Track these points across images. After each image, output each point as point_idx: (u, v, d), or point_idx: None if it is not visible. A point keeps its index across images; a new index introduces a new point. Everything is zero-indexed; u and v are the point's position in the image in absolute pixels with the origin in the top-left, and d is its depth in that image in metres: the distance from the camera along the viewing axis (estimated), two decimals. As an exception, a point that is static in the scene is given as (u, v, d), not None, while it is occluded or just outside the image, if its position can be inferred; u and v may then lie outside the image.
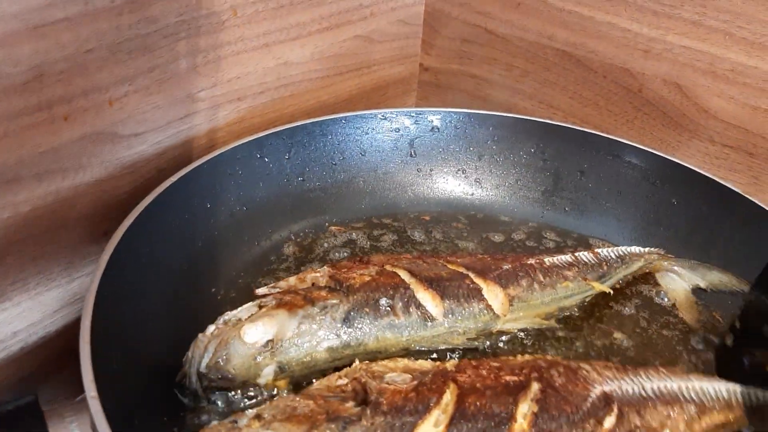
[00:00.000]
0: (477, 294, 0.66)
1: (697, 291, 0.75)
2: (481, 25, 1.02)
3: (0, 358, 0.67)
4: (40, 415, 0.47)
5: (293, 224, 0.82)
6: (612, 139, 0.85)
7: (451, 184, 0.91)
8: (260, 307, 0.61)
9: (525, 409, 0.53)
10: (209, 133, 0.80)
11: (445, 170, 0.91)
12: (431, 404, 0.52)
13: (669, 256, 0.77)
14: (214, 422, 0.54)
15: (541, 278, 0.69)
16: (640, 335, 0.70)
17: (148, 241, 0.64)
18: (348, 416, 0.51)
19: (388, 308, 0.63)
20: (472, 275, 0.67)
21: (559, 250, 0.81)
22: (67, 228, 0.67)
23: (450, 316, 0.64)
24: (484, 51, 1.04)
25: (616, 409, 0.55)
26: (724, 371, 0.64)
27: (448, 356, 0.65)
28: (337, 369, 0.60)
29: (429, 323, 0.63)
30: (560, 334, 0.69)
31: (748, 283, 0.72)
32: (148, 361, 0.58)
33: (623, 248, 0.76)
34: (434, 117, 0.89)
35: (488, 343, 0.66)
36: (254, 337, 0.58)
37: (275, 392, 0.59)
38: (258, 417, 0.52)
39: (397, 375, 0.56)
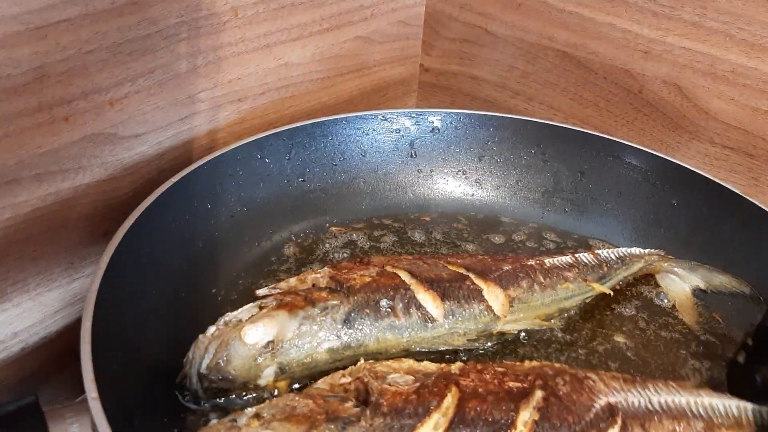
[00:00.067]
0: (477, 295, 0.66)
1: (697, 292, 0.75)
2: (481, 26, 1.02)
3: (0, 358, 0.67)
4: (41, 416, 0.47)
5: (294, 225, 0.82)
6: (612, 140, 0.85)
7: (452, 185, 0.91)
8: (261, 308, 0.61)
9: (526, 416, 0.52)
10: (210, 134, 0.81)
11: (446, 171, 0.91)
12: (431, 407, 0.52)
13: (669, 257, 0.77)
14: (214, 421, 0.54)
15: (542, 279, 0.69)
16: (640, 337, 0.70)
17: (149, 241, 0.64)
18: (347, 417, 0.51)
19: (389, 309, 0.63)
20: (472, 276, 0.67)
21: (559, 251, 0.80)
22: (68, 229, 0.67)
23: (450, 317, 0.64)
24: (485, 52, 1.04)
25: (620, 421, 0.54)
26: (735, 388, 0.63)
27: (452, 357, 0.65)
28: (339, 369, 0.60)
29: (429, 324, 0.63)
30: (560, 335, 0.69)
31: (748, 285, 0.72)
32: (149, 361, 0.58)
33: (623, 249, 0.76)
34: (435, 118, 0.89)
35: (489, 344, 0.66)
36: (255, 338, 0.58)
37: (276, 393, 0.59)
38: (257, 416, 0.52)
39: (399, 376, 0.56)
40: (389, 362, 0.59)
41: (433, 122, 0.89)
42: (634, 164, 0.84)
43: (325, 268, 0.68)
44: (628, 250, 0.76)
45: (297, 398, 0.54)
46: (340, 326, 0.61)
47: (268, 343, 0.58)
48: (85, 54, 0.62)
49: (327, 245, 0.80)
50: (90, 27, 0.61)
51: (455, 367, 0.58)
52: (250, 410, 0.53)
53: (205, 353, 0.58)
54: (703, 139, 0.86)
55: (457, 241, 0.83)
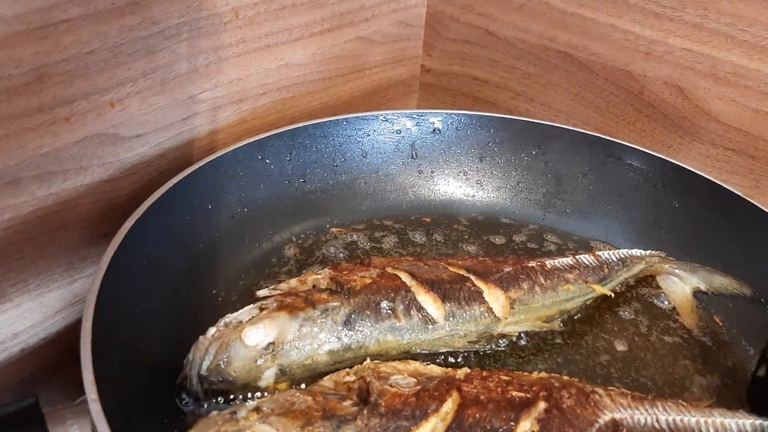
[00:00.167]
0: (478, 297, 0.66)
1: (698, 294, 0.74)
2: (482, 26, 1.02)
3: (1, 359, 0.67)
4: (41, 417, 0.47)
5: (294, 226, 0.82)
6: (613, 141, 0.85)
7: (452, 186, 0.91)
8: (261, 309, 0.61)
9: (526, 427, 0.52)
10: (210, 135, 0.80)
11: (447, 172, 0.91)
12: (429, 411, 0.52)
13: (670, 258, 0.77)
14: (214, 413, 0.53)
15: (542, 281, 0.69)
16: (640, 339, 0.70)
17: (149, 242, 0.64)
18: (343, 415, 0.51)
19: (389, 311, 0.63)
20: (473, 278, 0.67)
21: (560, 252, 0.80)
22: (68, 229, 0.67)
23: (451, 318, 0.64)
24: (486, 53, 1.03)
25: None
26: (757, 405, 0.62)
27: (454, 359, 0.65)
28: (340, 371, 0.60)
29: (430, 326, 0.63)
30: (561, 337, 0.69)
31: (749, 286, 0.72)
32: (149, 362, 0.58)
33: (624, 251, 0.76)
34: (436, 119, 0.89)
35: (489, 346, 0.66)
36: (255, 339, 0.58)
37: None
38: (257, 409, 0.52)
39: (402, 378, 0.56)
40: (395, 363, 0.59)
41: (434, 123, 0.89)
42: (635, 165, 0.84)
43: (326, 269, 0.68)
44: (629, 252, 0.76)
45: (297, 394, 0.54)
46: (340, 328, 0.61)
47: (269, 344, 0.58)
48: (86, 54, 0.62)
49: (327, 246, 0.80)
50: (91, 27, 0.61)
51: (460, 372, 0.58)
52: (251, 404, 0.53)
53: (205, 354, 0.57)
54: (705, 141, 0.86)
55: (458, 242, 0.83)
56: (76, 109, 0.63)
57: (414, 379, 0.56)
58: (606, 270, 0.73)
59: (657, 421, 0.55)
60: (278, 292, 0.65)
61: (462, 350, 0.65)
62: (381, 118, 0.88)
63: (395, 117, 0.88)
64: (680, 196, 0.81)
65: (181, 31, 0.70)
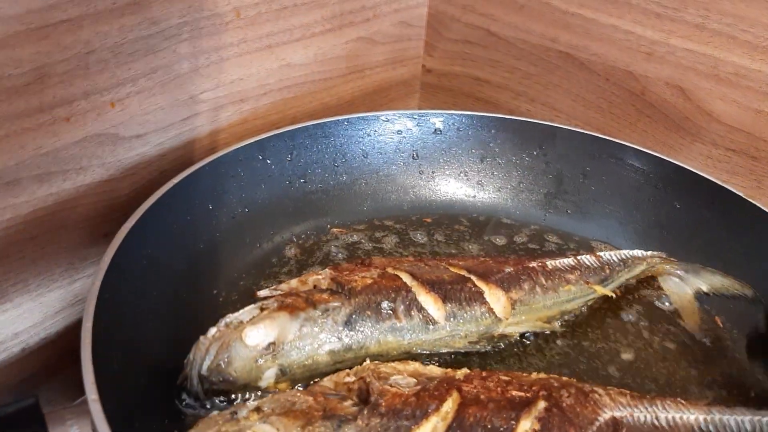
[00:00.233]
0: (479, 297, 0.65)
1: (699, 295, 0.74)
2: (483, 27, 1.02)
3: (1, 359, 0.67)
4: (41, 418, 0.47)
5: (295, 226, 0.82)
6: (614, 141, 0.85)
7: (453, 187, 0.90)
8: (262, 309, 0.61)
9: (527, 426, 0.52)
10: (211, 135, 0.80)
11: (448, 172, 0.91)
12: (430, 411, 0.52)
13: (671, 259, 0.76)
14: (214, 413, 0.53)
15: (544, 281, 0.69)
16: (642, 339, 0.70)
17: (150, 242, 0.64)
18: (344, 415, 0.51)
19: (390, 311, 0.62)
20: (474, 278, 0.67)
21: (561, 253, 0.80)
22: (68, 229, 0.67)
23: (452, 319, 0.64)
24: (487, 53, 1.03)
25: None
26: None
27: (452, 360, 0.65)
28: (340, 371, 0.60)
29: (431, 326, 0.63)
30: (562, 337, 0.69)
31: (751, 287, 0.72)
32: (149, 363, 0.58)
33: (625, 252, 0.76)
34: (437, 119, 0.89)
35: (490, 346, 0.66)
36: (256, 339, 0.58)
37: (276, 395, 0.59)
38: (257, 409, 0.52)
39: (402, 378, 0.56)
40: (395, 364, 0.59)
41: (435, 123, 0.89)
42: (637, 166, 0.84)
43: (327, 269, 0.67)
44: (630, 253, 0.76)
45: (298, 394, 0.54)
46: (341, 328, 0.61)
47: (269, 344, 0.58)
48: (86, 54, 0.62)
49: (328, 246, 0.80)
50: (91, 27, 0.61)
51: (460, 373, 0.58)
52: (252, 403, 0.53)
53: (206, 355, 0.57)
54: (706, 141, 0.86)
55: (459, 242, 0.83)
56: (76, 109, 0.63)
57: (414, 380, 0.56)
58: (607, 271, 0.73)
59: (656, 419, 0.55)
60: (279, 292, 0.65)
61: (463, 350, 0.65)
62: (382, 118, 0.88)
63: (396, 117, 0.88)
64: (681, 197, 0.81)
65: (182, 31, 0.70)
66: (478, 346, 0.66)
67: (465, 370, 0.59)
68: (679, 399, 0.57)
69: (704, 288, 0.74)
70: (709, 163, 0.87)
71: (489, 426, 0.51)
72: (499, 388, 0.55)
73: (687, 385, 0.65)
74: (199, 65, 0.74)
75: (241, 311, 0.61)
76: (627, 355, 0.68)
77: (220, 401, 0.58)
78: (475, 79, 1.07)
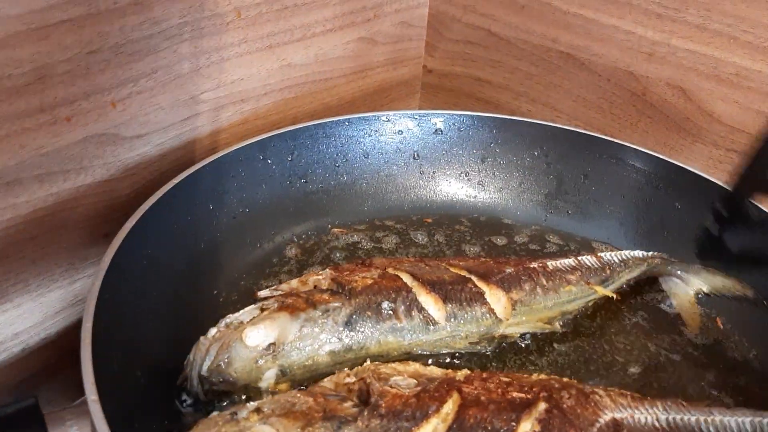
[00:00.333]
0: (479, 298, 0.65)
1: (700, 295, 0.74)
2: (484, 27, 1.02)
3: (1, 359, 0.67)
4: (41, 419, 0.47)
5: (295, 226, 0.82)
6: (615, 142, 0.85)
7: (454, 187, 0.90)
8: (262, 309, 0.61)
9: (527, 427, 0.51)
10: (212, 135, 0.80)
11: (448, 173, 0.91)
12: (430, 412, 0.51)
13: (672, 260, 0.76)
14: (214, 413, 0.53)
15: (544, 282, 0.69)
16: (642, 339, 0.70)
17: (150, 242, 0.64)
18: (344, 416, 0.51)
19: (391, 312, 0.62)
20: (474, 279, 0.67)
21: (562, 253, 0.80)
22: (69, 229, 0.67)
23: (452, 319, 0.64)
24: (488, 53, 1.03)
25: None
26: (706, 257, 0.60)
27: (453, 360, 0.65)
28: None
29: (431, 327, 0.63)
30: (562, 338, 0.69)
31: (752, 288, 0.72)
32: (149, 363, 0.58)
33: (626, 252, 0.76)
34: (437, 119, 0.89)
35: (491, 347, 0.66)
36: (256, 340, 0.58)
37: (276, 396, 0.59)
38: (257, 410, 0.52)
39: (402, 379, 0.56)
40: (395, 364, 0.59)
41: (435, 124, 0.89)
42: (638, 167, 0.83)
43: (327, 269, 0.67)
44: (631, 253, 0.76)
45: (298, 395, 0.54)
46: (341, 328, 0.61)
47: (270, 345, 0.58)
48: (87, 54, 0.62)
49: (329, 246, 0.80)
50: (92, 27, 0.61)
51: (461, 374, 0.58)
52: (252, 404, 0.53)
53: (206, 355, 0.57)
54: (707, 142, 0.86)
55: (460, 243, 0.83)
56: (77, 109, 0.63)
57: (414, 380, 0.56)
58: (608, 271, 0.73)
59: (657, 420, 0.55)
60: (279, 292, 0.65)
61: (463, 351, 0.65)
62: (383, 118, 0.88)
63: (397, 117, 0.88)
64: (682, 198, 0.80)
65: (183, 31, 0.70)
66: (479, 347, 0.66)
67: (465, 371, 0.59)
68: (679, 400, 0.57)
69: (705, 288, 0.74)
70: (710, 164, 0.87)
71: (489, 427, 0.51)
72: (499, 390, 0.55)
73: (688, 386, 0.65)
74: (200, 65, 0.74)
75: (241, 312, 0.61)
76: (628, 356, 0.68)
77: (220, 402, 0.58)
78: (476, 80, 1.07)
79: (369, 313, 0.62)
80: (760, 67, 0.79)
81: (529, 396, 0.54)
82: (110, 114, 0.66)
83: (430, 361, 0.63)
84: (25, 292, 0.66)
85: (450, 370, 0.59)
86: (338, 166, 0.86)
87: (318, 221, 0.83)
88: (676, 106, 0.87)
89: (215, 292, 0.71)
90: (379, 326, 0.62)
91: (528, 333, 0.68)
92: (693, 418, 0.55)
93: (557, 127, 0.89)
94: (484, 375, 0.58)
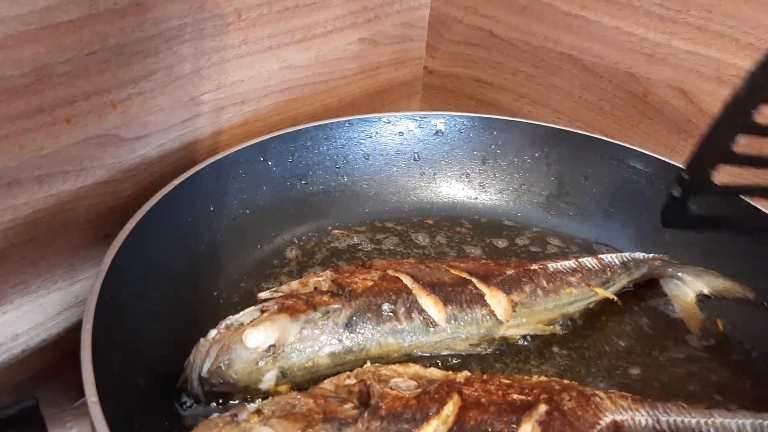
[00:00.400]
0: (480, 300, 0.65)
1: (701, 297, 0.74)
2: (486, 28, 1.02)
3: (1, 360, 0.66)
4: (41, 420, 0.47)
5: (296, 228, 0.81)
6: (616, 143, 0.85)
7: (455, 188, 0.90)
8: (262, 311, 0.61)
9: (527, 429, 0.51)
10: (212, 136, 0.80)
11: (449, 174, 0.90)
12: (430, 414, 0.51)
13: (673, 262, 0.76)
14: (214, 415, 0.53)
15: (545, 284, 0.69)
16: (642, 341, 0.70)
17: (150, 244, 0.64)
18: (344, 418, 0.51)
19: (391, 313, 0.62)
20: (475, 281, 0.67)
21: (562, 255, 0.80)
22: (69, 231, 0.67)
23: (452, 321, 0.64)
24: (489, 55, 1.03)
25: None
26: (670, 220, 0.61)
27: (453, 362, 0.64)
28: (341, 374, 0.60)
29: (431, 329, 0.63)
30: (562, 340, 0.69)
31: (753, 291, 0.72)
32: (149, 364, 0.58)
33: (627, 254, 0.76)
34: (438, 121, 0.89)
35: (491, 349, 0.66)
36: (256, 341, 0.58)
37: (277, 398, 0.59)
38: (258, 412, 0.52)
39: (402, 381, 0.56)
40: (395, 366, 0.59)
41: (436, 125, 0.89)
42: (639, 168, 0.83)
43: (327, 271, 0.67)
44: (632, 255, 0.76)
45: (299, 397, 0.54)
46: (341, 330, 0.61)
47: (270, 347, 0.58)
48: (87, 55, 0.61)
49: (329, 248, 0.80)
50: (92, 28, 0.61)
51: (461, 375, 0.58)
52: (252, 406, 0.53)
53: (206, 357, 0.57)
54: (708, 143, 0.86)
55: (460, 244, 0.82)
56: (77, 110, 0.63)
57: (414, 382, 0.55)
58: (609, 273, 0.73)
59: (658, 422, 0.55)
60: (279, 294, 0.65)
61: (463, 353, 0.65)
62: (383, 119, 0.87)
63: (398, 119, 0.88)
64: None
65: (183, 33, 0.70)
66: (479, 349, 0.65)
67: (466, 373, 0.59)
68: (680, 402, 0.57)
69: (706, 291, 0.74)
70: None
71: (490, 429, 0.51)
72: (500, 391, 0.55)
73: (688, 388, 0.65)
74: (201, 66, 0.74)
75: (241, 313, 0.61)
76: (628, 358, 0.67)
77: (220, 403, 0.58)
78: (477, 81, 1.07)
79: (369, 315, 0.62)
80: (762, 68, 0.78)
81: (529, 398, 0.54)
82: (110, 115, 0.66)
83: (430, 363, 0.63)
84: (26, 293, 0.66)
85: (450, 372, 0.59)
86: (339, 168, 0.86)
87: (318, 223, 0.83)
88: (677, 108, 0.87)
89: (215, 293, 0.71)
90: (379, 328, 0.62)
91: (528, 335, 0.68)
92: (693, 420, 0.55)
93: (558, 129, 0.88)
94: (485, 377, 0.58)
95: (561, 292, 0.69)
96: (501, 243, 0.83)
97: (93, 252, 0.70)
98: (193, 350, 0.58)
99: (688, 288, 0.75)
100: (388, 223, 0.85)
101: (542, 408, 0.53)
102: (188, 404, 0.58)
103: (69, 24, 0.59)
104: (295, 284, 0.66)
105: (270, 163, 0.80)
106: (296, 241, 0.80)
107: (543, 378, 0.59)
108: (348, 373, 0.58)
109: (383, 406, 0.52)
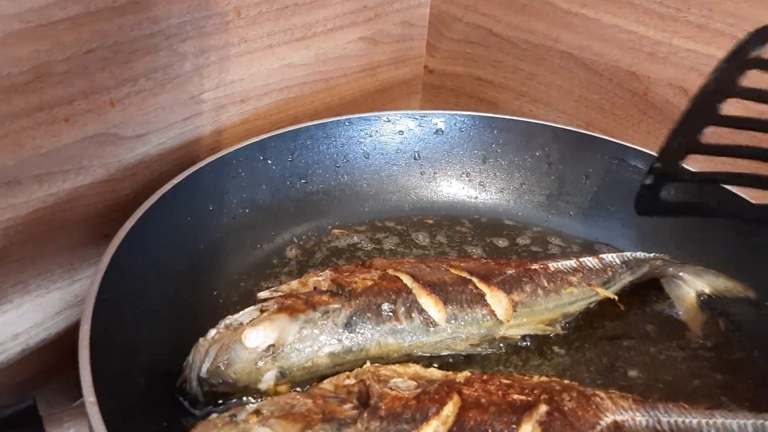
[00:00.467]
0: (480, 299, 0.65)
1: (702, 297, 0.74)
2: (486, 27, 1.02)
3: (0, 360, 0.66)
4: (39, 420, 0.47)
5: (296, 227, 0.81)
6: (617, 142, 0.85)
7: (455, 188, 0.90)
8: (262, 311, 0.61)
9: (528, 430, 0.51)
10: (212, 135, 0.80)
11: (449, 173, 0.90)
12: (430, 414, 0.51)
13: (674, 261, 0.76)
14: (213, 415, 0.53)
15: (546, 284, 0.68)
16: (643, 341, 0.69)
17: (150, 243, 0.64)
18: (343, 418, 0.51)
19: (391, 313, 0.62)
20: (475, 280, 0.66)
21: (563, 255, 0.80)
22: (68, 230, 0.67)
23: (453, 321, 0.64)
24: (489, 53, 1.03)
25: None
26: (643, 207, 0.62)
27: (453, 362, 0.64)
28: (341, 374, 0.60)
29: (431, 328, 0.63)
30: (563, 340, 0.68)
31: (754, 290, 0.71)
32: (149, 364, 0.58)
33: (628, 254, 0.75)
34: (438, 120, 0.89)
35: (491, 349, 0.66)
36: (255, 341, 0.58)
37: (276, 398, 0.58)
38: (257, 412, 0.52)
39: (402, 381, 0.56)
40: (395, 366, 0.59)
41: (436, 124, 0.89)
42: (640, 167, 0.83)
43: (327, 270, 0.67)
44: (633, 255, 0.75)
45: (298, 397, 0.54)
46: (341, 330, 0.60)
47: (269, 346, 0.58)
48: (86, 53, 0.61)
49: (329, 248, 0.79)
50: (91, 26, 0.61)
51: (461, 376, 0.58)
52: (251, 406, 0.53)
53: (205, 357, 0.57)
54: (709, 143, 0.86)
55: (461, 244, 0.82)
56: (76, 109, 0.63)
57: (414, 383, 0.55)
58: (609, 273, 0.72)
59: (659, 423, 0.55)
60: (279, 293, 0.65)
61: (464, 353, 0.65)
62: (383, 118, 0.87)
63: (398, 118, 0.88)
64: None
65: (183, 31, 0.70)
66: (479, 349, 0.65)
67: (466, 373, 0.58)
68: (681, 402, 0.57)
69: (707, 290, 0.74)
70: (712, 165, 0.86)
71: (490, 429, 0.51)
72: (500, 392, 0.55)
73: (689, 388, 0.64)
74: (200, 65, 0.74)
75: (240, 313, 0.61)
76: (629, 358, 0.67)
77: (220, 404, 0.58)
78: (477, 80, 1.06)
79: (369, 315, 0.62)
80: (763, 67, 0.78)
81: (529, 398, 0.54)
82: (109, 114, 0.66)
83: (430, 363, 0.63)
84: (25, 292, 0.66)
85: (450, 372, 0.59)
86: (339, 167, 0.85)
87: (318, 222, 0.83)
88: (678, 106, 0.87)
89: (215, 293, 0.71)
90: (379, 328, 0.62)
91: (529, 335, 0.67)
92: (695, 421, 0.55)
93: (559, 128, 0.88)
94: (485, 377, 0.58)
95: (562, 292, 0.69)
96: (502, 242, 0.83)
97: (92, 251, 0.70)
98: (192, 350, 0.58)
99: (689, 287, 0.74)
100: (388, 223, 0.85)
101: (542, 408, 0.53)
102: (187, 404, 0.57)
103: (68, 22, 0.59)
104: (294, 284, 0.66)
105: (270, 161, 0.80)
106: (296, 241, 0.80)
107: (543, 378, 0.59)
108: (347, 373, 0.58)
109: (383, 407, 0.52)
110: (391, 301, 0.63)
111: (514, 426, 0.51)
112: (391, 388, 0.54)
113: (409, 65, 1.08)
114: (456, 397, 0.53)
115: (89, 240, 0.69)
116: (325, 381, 0.57)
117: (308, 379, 0.59)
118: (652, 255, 0.76)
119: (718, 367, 0.67)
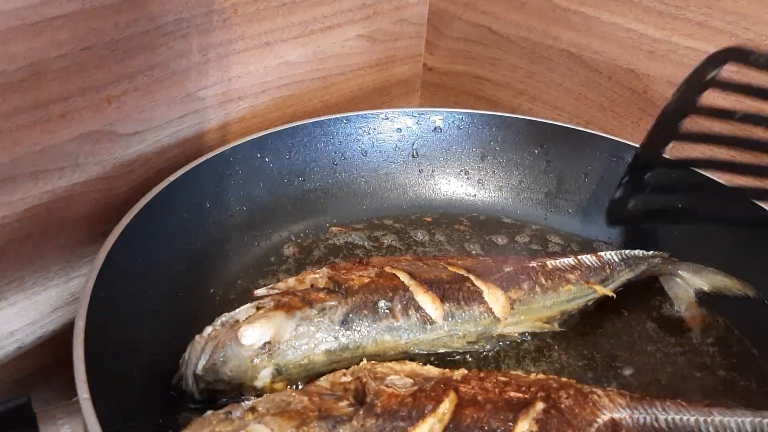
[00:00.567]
0: (478, 297, 0.65)
1: (701, 295, 0.74)
2: (485, 25, 1.01)
3: (-3, 358, 0.66)
4: (32, 417, 0.47)
5: (293, 225, 0.81)
6: (616, 140, 0.84)
7: (454, 185, 0.90)
8: (258, 308, 0.61)
9: (524, 427, 0.51)
10: (209, 133, 0.80)
11: (448, 171, 0.90)
12: (426, 411, 0.51)
13: (673, 259, 0.76)
14: (209, 412, 0.53)
15: (543, 281, 0.68)
16: (642, 339, 0.69)
17: (146, 240, 0.63)
18: (339, 416, 0.51)
19: (387, 311, 0.62)
20: (472, 278, 0.66)
21: (562, 252, 0.80)
22: (64, 228, 0.67)
23: (450, 319, 0.63)
24: (488, 51, 1.03)
25: None
26: (613, 218, 0.68)
27: (450, 360, 0.64)
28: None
29: (428, 326, 0.63)
30: (561, 338, 0.68)
31: (753, 288, 0.71)
32: (144, 361, 0.58)
33: (627, 251, 0.75)
34: (437, 117, 0.89)
35: (488, 346, 0.66)
36: (251, 339, 0.57)
37: (272, 395, 0.58)
38: (252, 409, 0.51)
39: (398, 378, 0.55)
40: (391, 364, 0.59)
41: (435, 122, 0.89)
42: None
43: (324, 268, 0.67)
44: (632, 253, 0.75)
45: (293, 394, 0.53)
46: (337, 327, 0.60)
47: (265, 344, 0.58)
48: (81, 50, 0.61)
49: (327, 245, 0.79)
50: (87, 23, 0.61)
51: (458, 373, 0.57)
52: (247, 403, 0.53)
53: (201, 354, 0.57)
54: (709, 141, 0.85)
55: (460, 242, 0.82)
56: (72, 106, 0.62)
57: (410, 380, 0.55)
58: (608, 270, 0.72)
59: (656, 420, 0.55)
60: (276, 291, 0.64)
61: (461, 351, 0.65)
62: (381, 116, 0.87)
63: (396, 115, 0.88)
64: (684, 197, 0.80)
65: (179, 28, 0.70)
66: (477, 347, 0.65)
67: (462, 371, 0.58)
68: (679, 400, 0.57)
69: (706, 288, 0.74)
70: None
71: (486, 427, 0.51)
72: (496, 389, 0.55)
73: (688, 386, 0.64)
74: (197, 62, 0.74)
75: (237, 310, 0.61)
76: (627, 356, 0.67)
77: (216, 401, 0.57)
78: (476, 78, 1.06)
79: (365, 312, 0.61)
80: (762, 64, 0.78)
81: (526, 396, 0.54)
82: (106, 111, 0.66)
83: (427, 361, 0.63)
84: (21, 290, 0.66)
85: (447, 370, 0.58)
86: (336, 165, 0.85)
87: (316, 220, 0.83)
88: (677, 105, 0.87)
89: (212, 290, 0.71)
90: (375, 325, 0.61)
91: (527, 332, 0.67)
92: (692, 419, 0.55)
93: (558, 125, 0.88)
94: (482, 374, 0.57)
95: (560, 290, 0.69)
96: (500, 240, 0.83)
97: (89, 249, 0.70)
98: (188, 347, 0.58)
99: (687, 285, 0.74)
100: (386, 221, 0.85)
101: (539, 406, 0.53)
102: (183, 401, 0.57)
103: (64, 19, 0.59)
104: (291, 281, 0.66)
105: (267, 159, 0.80)
106: (294, 239, 0.80)
107: (540, 376, 0.59)
108: (344, 370, 0.57)
109: (379, 404, 0.52)
110: (387, 299, 0.62)
111: (510, 423, 0.51)
112: (387, 386, 0.54)
113: (408, 63, 1.08)
114: (452, 395, 0.53)
115: (86, 237, 0.69)
116: (321, 378, 0.57)
117: (304, 377, 0.59)
118: (650, 253, 0.76)
119: (717, 365, 0.67)
